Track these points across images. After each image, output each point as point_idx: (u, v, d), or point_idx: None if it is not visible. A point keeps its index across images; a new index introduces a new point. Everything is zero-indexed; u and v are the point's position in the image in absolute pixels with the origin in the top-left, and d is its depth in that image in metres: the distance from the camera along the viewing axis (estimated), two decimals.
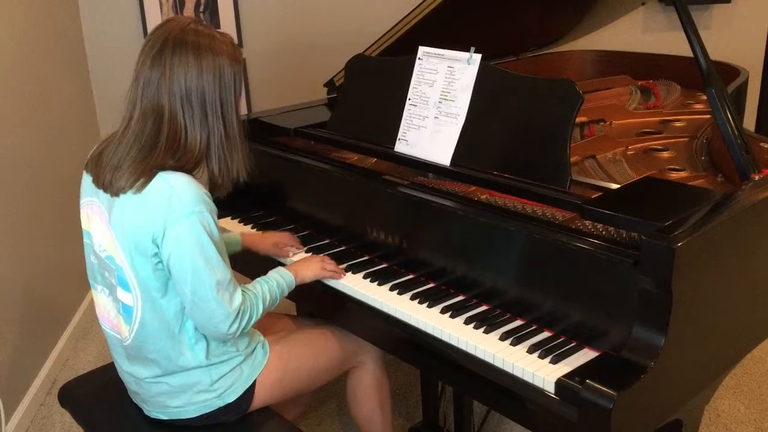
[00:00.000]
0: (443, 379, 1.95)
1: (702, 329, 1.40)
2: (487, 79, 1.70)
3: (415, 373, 2.49)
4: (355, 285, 1.71)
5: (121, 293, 1.53)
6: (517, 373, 1.37)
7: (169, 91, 1.45)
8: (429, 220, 1.69)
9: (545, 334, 1.46)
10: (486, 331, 1.48)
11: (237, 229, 2.07)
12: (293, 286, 1.68)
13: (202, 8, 3.41)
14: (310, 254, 1.86)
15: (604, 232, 1.48)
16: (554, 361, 1.37)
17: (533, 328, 1.48)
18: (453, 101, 1.74)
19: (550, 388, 1.32)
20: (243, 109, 3.15)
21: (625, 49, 2.92)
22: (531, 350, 1.41)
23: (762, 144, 1.86)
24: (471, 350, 1.45)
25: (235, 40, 1.58)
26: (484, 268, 1.58)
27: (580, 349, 1.41)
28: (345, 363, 1.82)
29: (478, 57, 1.72)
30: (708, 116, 2.19)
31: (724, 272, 1.43)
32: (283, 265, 1.76)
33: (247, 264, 1.92)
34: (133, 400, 1.68)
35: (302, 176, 2.04)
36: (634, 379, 1.25)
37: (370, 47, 2.27)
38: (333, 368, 1.80)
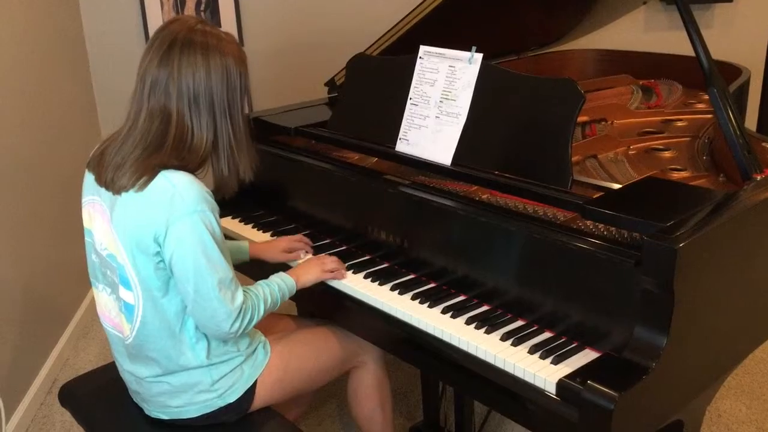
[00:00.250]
0: (444, 380, 1.95)
1: (704, 330, 1.40)
2: (489, 78, 1.70)
3: (416, 373, 2.49)
4: (356, 285, 1.71)
5: (122, 292, 1.53)
6: (518, 373, 1.37)
7: (177, 91, 1.45)
8: (430, 219, 1.68)
9: (546, 335, 1.46)
10: (487, 332, 1.48)
11: (237, 228, 2.07)
12: (294, 291, 1.68)
13: (203, 7, 3.41)
14: (309, 255, 1.86)
15: (605, 233, 1.47)
16: (555, 362, 1.37)
17: (534, 328, 1.48)
18: (454, 101, 1.74)
19: (551, 388, 1.32)
20: (246, 108, 3.14)
21: (626, 48, 2.92)
22: (532, 351, 1.40)
23: (764, 144, 1.86)
24: (472, 351, 1.45)
25: (236, 39, 1.57)
26: (486, 268, 1.58)
27: (582, 350, 1.40)
28: (346, 363, 1.81)
29: (479, 56, 1.71)
30: (710, 116, 2.18)
31: (726, 272, 1.43)
32: None
33: (263, 268, 1.91)
34: (134, 399, 1.67)
35: (303, 176, 2.03)
36: (636, 380, 1.25)
37: (371, 46, 2.27)
38: (334, 368, 1.79)
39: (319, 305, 1.91)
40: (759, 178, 1.56)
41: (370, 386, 1.85)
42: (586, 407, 1.25)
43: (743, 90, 2.32)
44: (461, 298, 1.61)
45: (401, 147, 1.83)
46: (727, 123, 1.61)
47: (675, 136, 2.09)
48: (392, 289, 1.67)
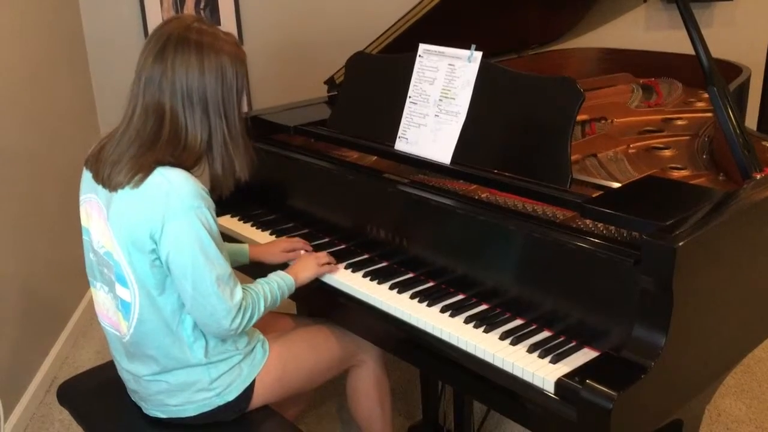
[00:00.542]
0: (443, 379, 1.94)
1: (703, 329, 1.40)
2: (488, 76, 1.70)
3: (415, 372, 2.49)
4: (355, 283, 1.70)
5: (119, 289, 1.53)
6: (517, 372, 1.36)
7: (171, 89, 1.45)
8: (429, 218, 1.68)
9: (545, 334, 1.46)
10: (486, 331, 1.48)
11: (236, 227, 2.07)
12: (293, 289, 1.67)
13: (202, 5, 3.40)
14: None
15: (604, 232, 1.47)
16: (554, 361, 1.36)
17: (533, 327, 1.48)
18: (453, 99, 1.74)
19: (549, 387, 1.31)
20: (243, 107, 3.14)
21: (626, 46, 2.91)
22: (531, 350, 1.40)
23: (764, 142, 1.86)
24: (470, 350, 1.45)
25: (236, 38, 1.57)
26: (484, 267, 1.58)
27: (580, 349, 1.40)
28: (345, 362, 1.81)
29: (478, 54, 1.71)
30: (710, 114, 2.18)
31: (726, 272, 1.43)
32: None
33: (262, 268, 1.90)
34: (132, 398, 1.67)
35: (302, 174, 2.03)
36: (635, 380, 1.24)
37: (370, 45, 2.26)
38: (333, 367, 1.79)
39: (317, 304, 1.91)
40: (759, 176, 1.56)
41: (369, 385, 1.85)
42: (585, 406, 1.25)
43: (743, 89, 2.32)
44: (460, 297, 1.61)
45: (400, 146, 1.83)
46: (727, 122, 1.60)
47: (675, 135, 2.09)
48: (391, 287, 1.67)
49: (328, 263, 1.75)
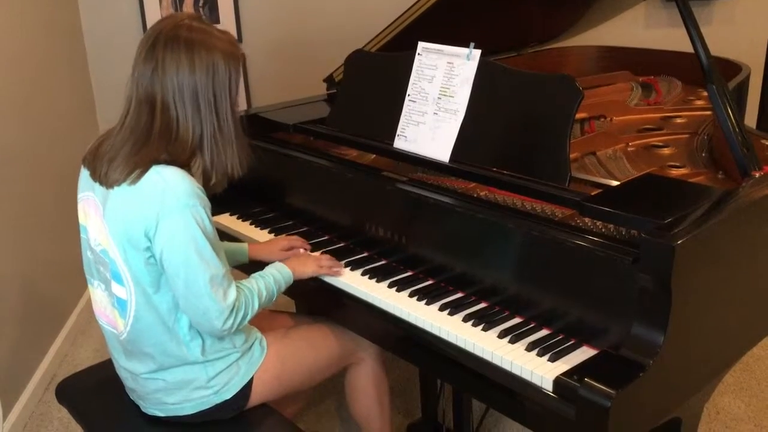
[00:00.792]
0: (441, 377, 1.95)
1: (702, 327, 1.40)
2: (487, 74, 1.70)
3: (414, 370, 2.49)
4: (354, 282, 1.70)
5: (115, 287, 1.53)
6: (516, 370, 1.36)
7: (162, 85, 1.45)
8: (428, 216, 1.68)
9: (544, 332, 1.46)
10: (484, 329, 1.48)
11: (235, 225, 2.07)
12: (291, 282, 1.67)
13: (201, 3, 3.40)
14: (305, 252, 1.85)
15: (603, 230, 1.47)
16: (553, 359, 1.36)
17: (532, 325, 1.48)
18: (452, 97, 1.73)
19: (548, 386, 1.31)
20: (243, 105, 3.14)
21: (626, 44, 2.91)
22: (529, 348, 1.40)
23: (763, 141, 1.85)
24: (469, 348, 1.45)
25: (235, 36, 1.57)
26: (483, 266, 1.58)
27: (579, 347, 1.40)
28: (343, 360, 1.81)
29: (477, 53, 1.71)
30: (709, 112, 2.17)
31: (724, 270, 1.43)
32: None
33: (260, 265, 1.90)
34: (131, 397, 1.67)
35: (301, 172, 2.03)
36: (633, 378, 1.24)
37: (369, 43, 2.26)
38: (331, 365, 1.79)
39: (316, 302, 1.91)
40: (758, 175, 1.56)
41: (368, 383, 1.85)
42: (583, 404, 1.24)
43: (743, 87, 2.31)
44: (459, 295, 1.61)
45: (399, 144, 1.83)
46: (726, 120, 1.60)
47: (674, 133, 2.09)
48: (390, 286, 1.67)
49: (330, 266, 1.73)
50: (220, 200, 1.61)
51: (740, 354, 1.63)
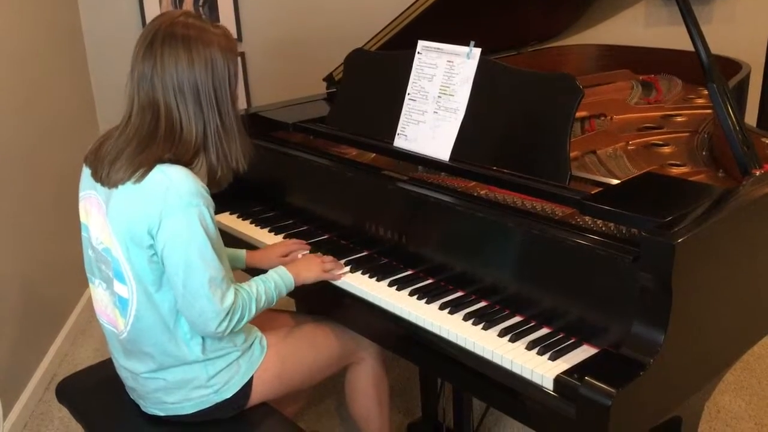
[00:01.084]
0: (442, 376, 1.95)
1: (702, 326, 1.40)
2: (487, 73, 1.69)
3: (415, 369, 2.49)
4: (354, 281, 1.70)
5: (117, 286, 1.53)
6: (516, 369, 1.36)
7: (162, 84, 1.45)
8: (428, 215, 1.68)
9: (544, 331, 1.46)
10: (485, 328, 1.47)
11: (235, 224, 2.07)
12: (292, 288, 1.67)
13: (201, 2, 3.40)
14: (306, 254, 1.85)
15: (603, 228, 1.47)
16: (553, 358, 1.36)
17: (532, 324, 1.48)
18: (452, 96, 1.73)
19: (548, 384, 1.31)
20: (242, 104, 3.14)
21: (626, 43, 2.91)
22: (530, 347, 1.40)
23: (763, 139, 1.85)
24: (469, 347, 1.44)
25: (234, 35, 1.57)
26: (484, 265, 1.58)
27: (580, 346, 1.40)
28: (343, 359, 1.81)
29: (477, 51, 1.71)
30: (709, 111, 2.17)
31: (725, 268, 1.42)
32: None
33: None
34: (131, 396, 1.67)
35: (301, 171, 2.03)
36: (633, 377, 1.24)
37: (369, 41, 2.26)
38: (331, 365, 1.79)
39: (316, 301, 1.91)
40: (758, 173, 1.56)
41: (367, 382, 1.85)
42: (584, 403, 1.24)
43: (743, 85, 2.31)
44: (459, 294, 1.61)
45: (399, 142, 1.83)
46: (727, 118, 1.60)
47: (674, 132, 2.09)
48: (390, 285, 1.67)
49: (334, 270, 1.73)
50: (219, 199, 1.60)
51: (741, 352, 1.63)
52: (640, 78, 2.57)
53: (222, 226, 2.05)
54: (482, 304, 1.57)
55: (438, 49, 1.78)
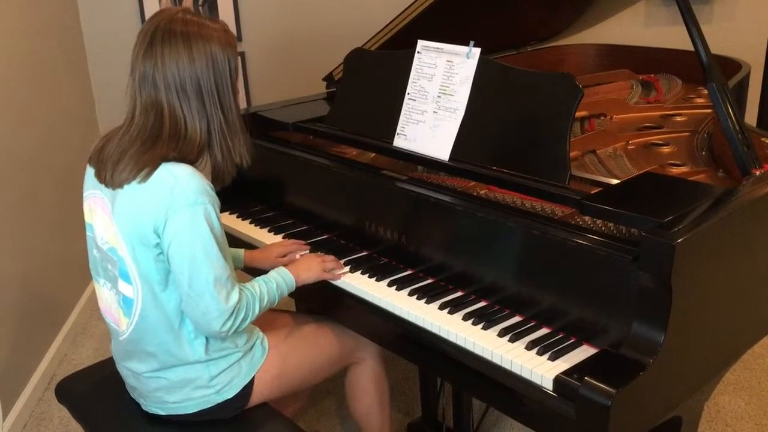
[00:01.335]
0: (441, 376, 1.95)
1: (702, 326, 1.39)
2: (487, 73, 1.69)
3: (415, 369, 2.49)
4: (354, 281, 1.70)
5: (122, 285, 1.53)
6: (516, 369, 1.36)
7: (165, 82, 1.44)
8: (427, 215, 1.68)
9: (544, 331, 1.45)
10: (484, 328, 1.47)
11: (235, 224, 2.07)
12: (293, 288, 1.67)
13: (201, 2, 3.39)
14: (305, 253, 1.85)
15: (603, 228, 1.47)
16: (553, 358, 1.36)
17: (532, 324, 1.48)
18: (452, 95, 1.73)
19: (548, 384, 1.31)
20: (242, 103, 3.14)
21: (626, 43, 2.91)
22: (530, 347, 1.40)
23: (763, 139, 1.85)
24: (469, 346, 1.44)
25: (234, 34, 1.57)
26: (483, 264, 1.57)
27: (579, 346, 1.40)
28: (344, 359, 1.81)
29: (477, 51, 1.70)
30: (709, 111, 2.17)
31: (725, 268, 1.42)
32: None
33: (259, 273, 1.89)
34: (131, 394, 1.67)
35: (301, 171, 2.03)
36: (633, 377, 1.24)
37: (369, 41, 2.26)
38: (332, 365, 1.79)
39: (316, 301, 1.91)
40: (758, 173, 1.56)
41: (368, 382, 1.85)
42: (583, 403, 1.24)
43: (743, 85, 2.31)
44: (459, 294, 1.61)
45: (399, 142, 1.83)
46: (726, 118, 1.60)
47: (674, 131, 2.08)
48: (389, 285, 1.67)
49: (334, 269, 1.73)
50: (219, 198, 1.60)
51: (741, 352, 1.63)
52: (640, 78, 2.57)
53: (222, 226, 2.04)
54: (482, 303, 1.57)
55: (437, 48, 1.77)
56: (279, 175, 2.11)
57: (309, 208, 2.01)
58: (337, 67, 2.32)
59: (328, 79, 2.39)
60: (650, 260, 1.27)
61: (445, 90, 1.75)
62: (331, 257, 1.75)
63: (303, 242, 1.87)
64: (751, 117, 3.84)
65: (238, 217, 2.10)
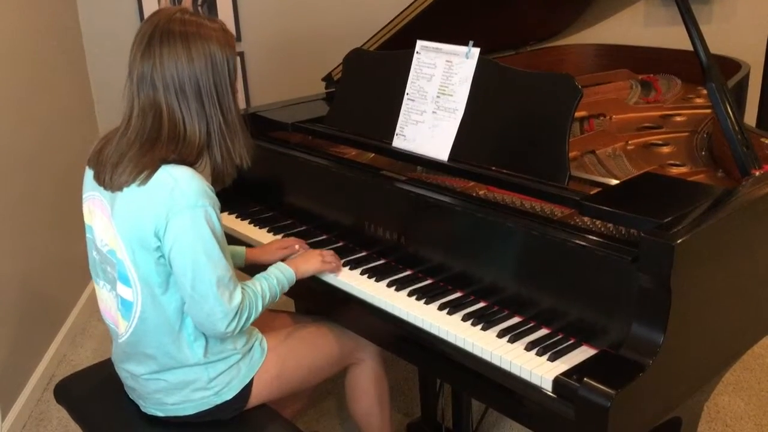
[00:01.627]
0: (441, 377, 1.94)
1: (702, 326, 1.39)
2: (486, 73, 1.69)
3: (414, 369, 2.49)
4: (353, 281, 1.70)
5: (120, 288, 1.52)
6: (515, 370, 1.36)
7: (163, 83, 1.44)
8: (427, 215, 1.67)
9: (543, 332, 1.45)
10: (483, 328, 1.47)
11: (234, 224, 2.06)
12: (293, 282, 1.66)
13: (200, 1, 3.39)
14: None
15: (602, 229, 1.47)
16: (552, 359, 1.36)
17: (531, 325, 1.47)
18: (451, 96, 1.73)
19: (547, 385, 1.31)
20: (241, 104, 3.13)
21: (626, 43, 2.91)
22: (529, 347, 1.40)
23: (763, 139, 1.85)
24: (468, 347, 1.44)
25: (234, 34, 1.56)
26: (482, 265, 1.57)
27: (579, 347, 1.39)
28: (343, 360, 1.81)
29: (476, 51, 1.70)
30: (708, 111, 2.17)
31: (724, 269, 1.42)
32: None
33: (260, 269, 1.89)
34: (130, 396, 1.67)
35: (300, 171, 2.02)
36: (633, 378, 1.24)
37: (368, 41, 2.26)
38: (331, 365, 1.79)
39: (316, 302, 1.91)
40: (757, 173, 1.55)
41: (367, 383, 1.85)
42: (583, 404, 1.24)
43: (743, 85, 2.31)
44: (458, 294, 1.61)
45: (398, 143, 1.82)
46: (726, 118, 1.60)
47: (674, 131, 2.08)
48: (389, 285, 1.66)
49: (332, 261, 1.73)
50: (218, 199, 1.60)
51: (740, 352, 1.63)
52: (640, 78, 2.57)
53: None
54: (481, 304, 1.56)
55: (437, 48, 1.77)
56: (278, 176, 2.11)
57: (308, 208, 2.01)
58: (336, 68, 2.32)
59: (328, 79, 2.39)
60: (649, 261, 1.27)
61: (444, 90, 1.75)
62: (330, 251, 1.75)
63: (303, 242, 1.87)
64: (750, 117, 3.84)
65: (237, 217, 2.10)
